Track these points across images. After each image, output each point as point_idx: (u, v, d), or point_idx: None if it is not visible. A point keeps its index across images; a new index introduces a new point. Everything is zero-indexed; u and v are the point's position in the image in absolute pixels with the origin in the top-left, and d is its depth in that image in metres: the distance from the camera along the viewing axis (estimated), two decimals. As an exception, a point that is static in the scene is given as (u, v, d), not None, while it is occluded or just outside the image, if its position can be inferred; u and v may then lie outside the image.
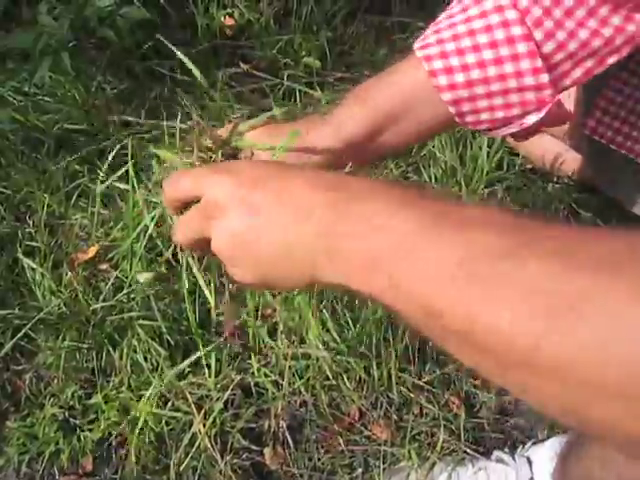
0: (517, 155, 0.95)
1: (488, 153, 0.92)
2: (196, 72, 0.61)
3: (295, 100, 1.16)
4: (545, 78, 0.49)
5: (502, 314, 0.27)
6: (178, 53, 0.63)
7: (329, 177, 0.39)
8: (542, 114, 0.52)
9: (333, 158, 0.53)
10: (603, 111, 0.75)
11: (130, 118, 1.14)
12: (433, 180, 1.01)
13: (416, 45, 0.51)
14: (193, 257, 0.90)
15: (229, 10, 1.28)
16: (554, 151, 0.87)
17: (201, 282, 0.76)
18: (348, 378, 0.94)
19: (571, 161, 0.85)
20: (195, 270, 0.81)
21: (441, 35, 0.50)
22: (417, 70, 0.51)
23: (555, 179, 0.95)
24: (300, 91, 1.12)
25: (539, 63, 0.49)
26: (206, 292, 0.76)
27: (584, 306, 0.25)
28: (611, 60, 0.52)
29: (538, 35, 0.48)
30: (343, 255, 0.35)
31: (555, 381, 0.26)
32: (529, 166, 0.97)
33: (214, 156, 0.54)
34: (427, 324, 0.32)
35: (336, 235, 0.35)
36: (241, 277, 0.42)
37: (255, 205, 0.39)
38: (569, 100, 0.78)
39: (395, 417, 0.94)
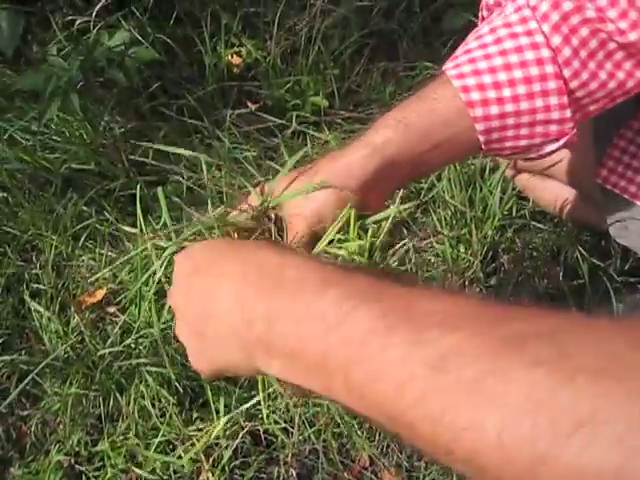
0: (526, 199, 0.95)
1: (501, 199, 0.92)
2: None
3: (305, 139, 1.16)
4: (569, 113, 0.53)
5: (490, 431, 0.25)
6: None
7: (273, 269, 0.37)
8: (560, 144, 0.56)
9: (372, 179, 0.53)
10: (616, 160, 0.75)
11: (138, 158, 1.14)
12: (443, 222, 1.00)
13: (451, 72, 0.53)
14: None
15: (236, 49, 1.29)
16: (564, 197, 0.87)
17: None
18: (358, 425, 0.93)
19: (581, 207, 0.85)
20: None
21: (476, 65, 0.52)
22: (454, 98, 0.52)
23: (565, 224, 0.95)
24: (306, 134, 1.13)
25: (566, 100, 0.53)
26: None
27: (581, 431, 0.23)
28: (620, 100, 0.57)
29: (567, 73, 0.52)
30: (288, 357, 0.34)
31: None
32: (538, 209, 0.97)
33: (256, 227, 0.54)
34: (394, 430, 0.30)
35: (275, 335, 0.34)
36: (195, 364, 0.44)
37: (194, 297, 0.41)
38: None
39: (406, 464, 0.92)
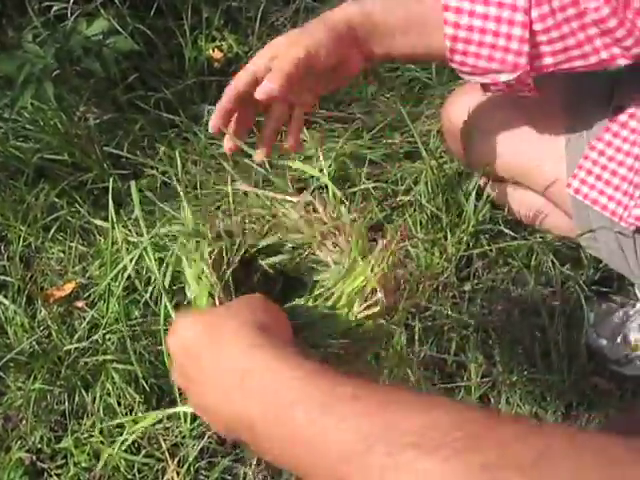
0: (501, 209, 0.95)
1: (475, 205, 0.92)
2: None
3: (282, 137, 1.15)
4: (526, 47, 0.59)
5: None
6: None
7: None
8: (514, 76, 0.61)
9: (354, 30, 0.60)
10: (587, 172, 0.76)
11: (113, 150, 1.12)
12: (418, 226, 1.00)
13: None
14: (170, 300, 0.88)
15: (218, 43, 1.27)
16: (536, 206, 0.87)
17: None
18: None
19: (553, 217, 0.86)
20: (172, 313, 0.79)
21: None
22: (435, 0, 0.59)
23: (537, 233, 0.95)
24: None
25: (527, 34, 0.58)
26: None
27: None
28: (579, 68, 0.63)
29: (534, 14, 0.58)
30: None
31: None
32: (511, 217, 0.97)
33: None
34: None
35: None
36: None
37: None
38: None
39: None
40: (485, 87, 0.68)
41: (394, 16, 0.60)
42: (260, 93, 0.58)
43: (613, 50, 0.60)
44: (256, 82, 0.59)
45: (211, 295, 0.50)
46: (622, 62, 0.61)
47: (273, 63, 0.59)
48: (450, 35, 0.59)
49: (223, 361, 0.40)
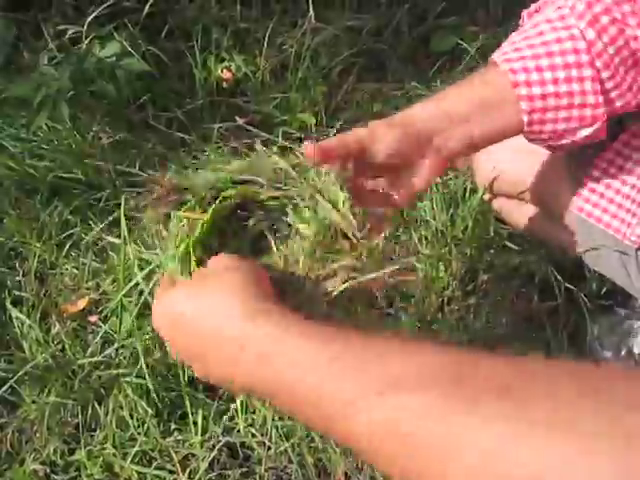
0: (505, 224, 0.97)
1: (480, 220, 0.94)
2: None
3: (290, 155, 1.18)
4: (601, 99, 0.60)
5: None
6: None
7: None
8: (593, 129, 0.61)
9: (435, 127, 0.60)
10: (590, 190, 0.77)
11: (125, 169, 1.15)
12: (424, 242, 1.02)
13: (498, 59, 0.60)
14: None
15: (227, 64, 1.30)
16: (539, 221, 0.89)
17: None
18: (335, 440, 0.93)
19: (556, 232, 0.87)
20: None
21: (522, 53, 0.59)
22: (499, 79, 0.59)
23: (541, 248, 0.97)
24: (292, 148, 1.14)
25: (599, 87, 0.59)
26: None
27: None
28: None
29: (599, 64, 0.59)
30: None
31: None
32: (515, 232, 0.99)
33: None
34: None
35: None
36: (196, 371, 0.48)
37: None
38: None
39: (381, 479, 0.93)
40: (559, 148, 0.67)
41: (467, 105, 0.60)
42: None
43: None
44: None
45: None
46: None
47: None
48: (527, 109, 0.59)
49: (224, 331, 0.42)
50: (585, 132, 0.61)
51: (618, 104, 0.61)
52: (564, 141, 0.63)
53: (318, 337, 0.38)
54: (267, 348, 0.39)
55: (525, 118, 0.59)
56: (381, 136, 0.58)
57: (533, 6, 0.70)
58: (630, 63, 0.61)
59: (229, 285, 0.45)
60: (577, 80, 0.59)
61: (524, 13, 0.71)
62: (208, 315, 0.44)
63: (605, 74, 0.59)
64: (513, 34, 0.63)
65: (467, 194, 1.04)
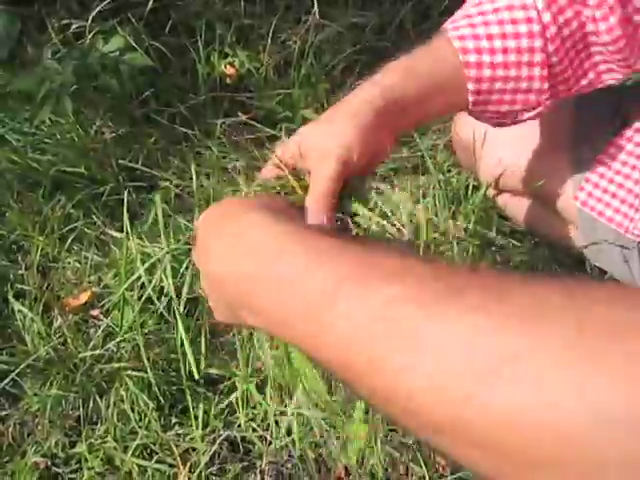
0: (507, 219, 0.97)
1: (482, 217, 0.94)
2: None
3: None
4: (547, 85, 0.59)
5: (422, 372, 0.27)
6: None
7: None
8: (535, 113, 0.61)
9: (382, 115, 0.56)
10: (594, 185, 0.78)
11: (128, 163, 1.15)
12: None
13: (452, 33, 0.58)
14: (184, 309, 0.90)
15: (230, 59, 1.31)
16: (542, 217, 0.89)
17: (186, 344, 0.76)
18: (336, 435, 0.94)
19: (559, 228, 0.87)
20: (182, 330, 0.81)
21: (476, 30, 0.57)
22: (453, 57, 0.57)
23: (543, 244, 0.97)
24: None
25: (546, 72, 0.59)
26: (190, 358, 0.76)
27: (507, 368, 0.24)
28: (584, 89, 0.64)
29: (550, 48, 0.58)
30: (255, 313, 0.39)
31: (477, 448, 0.26)
32: (518, 228, 0.99)
33: None
34: (347, 380, 0.32)
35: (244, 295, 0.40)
36: (214, 310, 0.49)
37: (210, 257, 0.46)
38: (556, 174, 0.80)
39: (381, 475, 0.94)
40: (498, 125, 0.67)
41: (416, 86, 0.57)
42: (314, 222, 0.54)
43: (613, 67, 0.62)
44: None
45: None
46: (618, 76, 0.63)
47: (310, 179, 0.55)
48: (472, 90, 0.58)
49: (225, 229, 0.44)
50: (527, 115, 0.62)
51: (561, 88, 0.62)
52: (505, 120, 0.63)
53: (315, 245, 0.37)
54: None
55: (470, 98, 0.59)
56: (350, 145, 0.54)
57: None
58: (581, 47, 0.60)
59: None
60: (527, 65, 0.58)
61: None
62: (221, 216, 0.46)
63: (554, 59, 0.59)
64: (467, 4, 0.62)
65: (470, 191, 1.04)
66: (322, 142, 0.55)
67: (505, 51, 0.57)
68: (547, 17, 0.57)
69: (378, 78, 0.57)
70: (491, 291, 0.27)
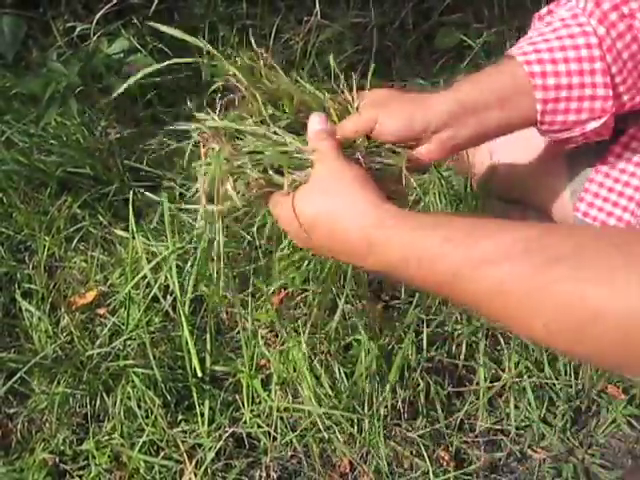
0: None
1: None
2: None
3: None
4: (610, 92, 0.62)
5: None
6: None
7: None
8: (601, 122, 0.64)
9: (449, 119, 0.62)
10: (594, 194, 0.77)
11: (133, 164, 1.16)
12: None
13: (514, 52, 0.63)
14: (189, 307, 0.91)
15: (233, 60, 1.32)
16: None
17: (190, 343, 0.77)
18: (340, 431, 0.95)
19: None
20: (186, 331, 0.82)
21: (537, 46, 0.62)
22: (515, 70, 0.62)
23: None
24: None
25: (609, 80, 0.62)
26: (194, 359, 0.77)
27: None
28: None
29: (609, 59, 0.62)
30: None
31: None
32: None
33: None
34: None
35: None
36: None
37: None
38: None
39: (385, 470, 0.95)
40: (566, 142, 0.69)
41: (483, 94, 0.62)
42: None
43: None
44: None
45: None
46: None
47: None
48: (540, 98, 0.61)
49: (349, 234, 0.53)
50: (594, 124, 0.64)
51: (625, 98, 0.63)
52: (573, 133, 0.65)
53: (429, 226, 0.48)
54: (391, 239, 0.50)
55: (539, 107, 0.62)
56: (387, 124, 0.61)
57: (544, 9, 0.71)
58: (639, 58, 0.63)
59: (355, 188, 0.54)
60: (589, 73, 0.61)
61: (535, 15, 0.73)
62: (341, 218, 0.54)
63: (614, 69, 0.62)
64: (529, 32, 0.66)
65: (469, 190, 1.05)
66: (410, 108, 0.62)
67: (566, 60, 0.61)
68: (601, 30, 0.61)
69: (447, 88, 0.63)
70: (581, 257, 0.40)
